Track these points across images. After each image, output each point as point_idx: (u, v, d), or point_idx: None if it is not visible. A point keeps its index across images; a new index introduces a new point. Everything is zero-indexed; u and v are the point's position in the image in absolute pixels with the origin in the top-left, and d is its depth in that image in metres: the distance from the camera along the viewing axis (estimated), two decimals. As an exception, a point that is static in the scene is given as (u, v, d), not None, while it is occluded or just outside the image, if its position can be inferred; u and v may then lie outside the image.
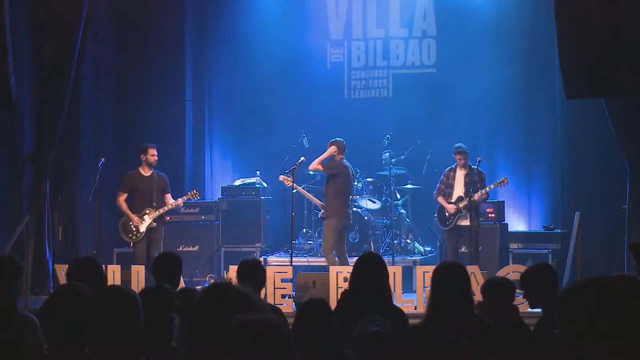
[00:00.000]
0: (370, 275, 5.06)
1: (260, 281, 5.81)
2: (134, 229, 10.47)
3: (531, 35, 12.19)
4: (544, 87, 12.05)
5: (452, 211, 10.48)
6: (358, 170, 12.12)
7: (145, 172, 10.54)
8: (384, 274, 5.13)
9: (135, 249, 10.51)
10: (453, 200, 10.55)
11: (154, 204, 10.55)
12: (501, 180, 10.43)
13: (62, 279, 9.20)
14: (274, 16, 13.26)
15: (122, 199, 10.52)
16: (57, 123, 10.53)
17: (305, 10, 13.27)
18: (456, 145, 10.60)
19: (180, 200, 10.75)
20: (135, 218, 10.45)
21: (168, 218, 11.75)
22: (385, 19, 13.22)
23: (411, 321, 5.15)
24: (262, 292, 6.77)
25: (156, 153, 10.49)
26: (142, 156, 10.49)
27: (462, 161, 10.52)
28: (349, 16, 13.32)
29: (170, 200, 10.65)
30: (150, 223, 10.56)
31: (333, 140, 10.55)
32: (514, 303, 5.16)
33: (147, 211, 10.57)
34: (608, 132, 10.01)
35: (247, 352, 2.19)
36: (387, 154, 12.22)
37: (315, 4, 13.33)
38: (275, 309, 5.74)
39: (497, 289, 5.04)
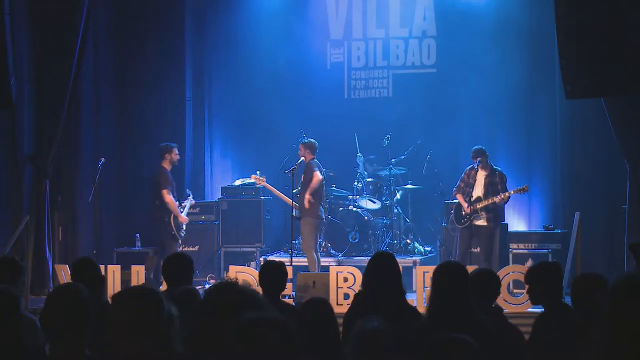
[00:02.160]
0: (384, 275, 5.06)
1: (281, 284, 5.77)
2: (182, 226, 10.78)
3: (531, 35, 12.18)
4: (544, 87, 12.04)
5: (469, 211, 10.45)
6: (358, 171, 12.12)
7: (169, 169, 10.78)
8: (398, 272, 5.14)
9: (174, 246, 10.69)
10: (472, 199, 10.51)
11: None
12: (522, 187, 10.38)
13: (62, 279, 9.21)
14: (274, 16, 13.25)
15: (171, 196, 10.68)
16: (57, 123, 10.53)
17: (305, 11, 13.26)
18: (474, 148, 10.58)
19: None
20: (183, 217, 10.77)
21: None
22: (385, 19, 13.22)
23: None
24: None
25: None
26: (167, 155, 10.81)
27: (483, 163, 10.50)
28: (349, 16, 13.31)
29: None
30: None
31: (306, 141, 10.72)
32: (499, 300, 5.15)
33: (181, 209, 10.85)
34: (608, 132, 10.00)
35: (251, 349, 2.18)
36: (360, 165, 12.20)
37: (315, 4, 13.33)
38: (292, 309, 5.65)
39: (483, 282, 5.01)
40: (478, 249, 10.66)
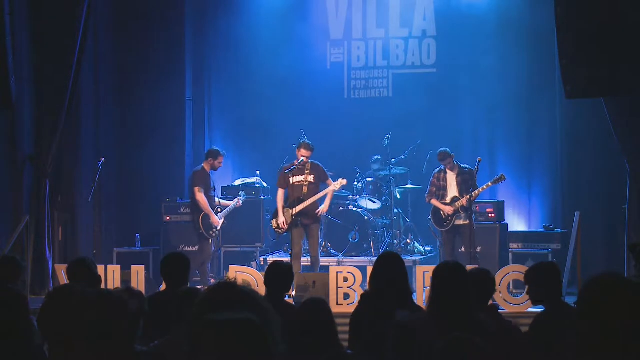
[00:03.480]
0: (391, 275, 5.08)
1: (286, 285, 5.79)
2: (214, 227, 10.69)
3: (531, 35, 12.18)
4: (544, 87, 12.05)
5: (450, 212, 10.47)
6: (358, 170, 12.12)
7: (207, 171, 10.77)
8: (404, 272, 5.16)
9: (204, 246, 10.73)
10: (448, 201, 10.55)
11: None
12: (498, 177, 10.41)
13: (62, 279, 9.20)
14: (274, 16, 13.25)
15: (203, 195, 10.65)
16: (57, 123, 10.54)
17: (305, 11, 13.26)
18: (439, 151, 10.60)
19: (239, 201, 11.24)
20: (214, 218, 10.70)
21: (168, 218, 11.78)
22: (385, 19, 13.22)
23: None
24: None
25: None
26: (210, 159, 10.73)
27: (449, 164, 10.54)
28: (349, 16, 13.31)
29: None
30: (222, 222, 10.88)
31: (305, 143, 10.34)
32: (500, 301, 5.15)
33: (219, 210, 10.88)
34: (608, 132, 10.00)
35: (215, 352, 2.16)
36: (377, 163, 12.17)
37: (315, 5, 13.33)
38: (293, 309, 5.64)
39: (479, 281, 5.00)
40: (462, 249, 10.66)
